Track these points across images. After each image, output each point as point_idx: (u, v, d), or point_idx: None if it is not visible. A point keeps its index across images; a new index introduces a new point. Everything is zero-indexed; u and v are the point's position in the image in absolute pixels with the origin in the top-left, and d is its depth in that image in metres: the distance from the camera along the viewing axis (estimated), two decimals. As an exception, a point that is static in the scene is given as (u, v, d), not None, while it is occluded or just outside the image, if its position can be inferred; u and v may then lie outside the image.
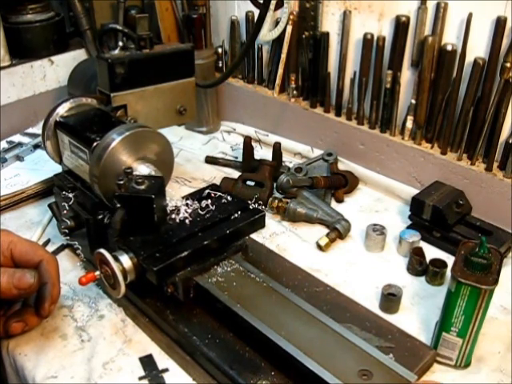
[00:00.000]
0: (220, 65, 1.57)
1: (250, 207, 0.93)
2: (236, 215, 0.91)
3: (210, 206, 0.92)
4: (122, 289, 0.81)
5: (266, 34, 1.41)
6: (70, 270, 1.03)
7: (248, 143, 1.34)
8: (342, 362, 0.74)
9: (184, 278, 0.85)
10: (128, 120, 1.11)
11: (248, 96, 1.53)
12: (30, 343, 0.88)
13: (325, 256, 1.09)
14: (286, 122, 1.46)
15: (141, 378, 0.83)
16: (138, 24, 1.13)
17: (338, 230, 1.12)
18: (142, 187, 0.85)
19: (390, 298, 0.94)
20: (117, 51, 1.12)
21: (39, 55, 1.53)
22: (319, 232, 1.14)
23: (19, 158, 1.38)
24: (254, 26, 1.19)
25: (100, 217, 0.92)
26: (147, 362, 0.85)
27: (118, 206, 0.84)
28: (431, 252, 1.08)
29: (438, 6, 1.11)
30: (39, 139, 1.40)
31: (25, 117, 1.53)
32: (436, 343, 0.84)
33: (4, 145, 1.43)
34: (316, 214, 1.16)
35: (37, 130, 1.49)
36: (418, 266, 1.02)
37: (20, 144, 1.43)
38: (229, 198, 0.95)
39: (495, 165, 1.14)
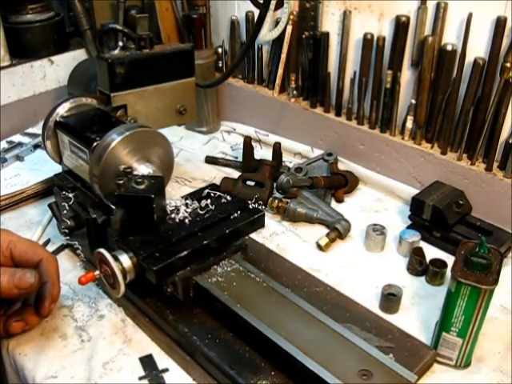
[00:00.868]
0: (220, 65, 1.57)
1: (250, 207, 0.93)
2: (235, 215, 0.92)
3: (210, 206, 0.92)
4: (122, 288, 0.81)
5: (266, 33, 1.41)
6: (69, 269, 1.03)
7: (248, 143, 1.34)
8: (341, 362, 0.74)
9: (184, 277, 0.85)
10: (128, 120, 1.11)
11: (248, 96, 1.53)
12: (29, 343, 0.88)
13: (325, 256, 1.09)
14: (285, 122, 1.46)
15: (141, 378, 0.83)
16: (138, 24, 1.13)
17: (338, 230, 1.12)
18: (142, 187, 0.85)
19: (390, 298, 0.94)
20: (117, 51, 1.12)
21: (39, 55, 1.53)
22: (319, 232, 1.14)
23: (19, 157, 1.38)
24: (254, 26, 1.19)
25: (94, 216, 0.92)
26: (147, 361, 0.85)
27: (118, 205, 0.84)
28: (431, 252, 1.07)
29: (438, 6, 1.11)
30: (39, 139, 1.40)
31: (25, 117, 1.53)
32: (436, 343, 0.84)
33: (4, 145, 1.43)
34: (316, 214, 1.16)
35: (37, 130, 1.49)
36: (418, 266, 1.02)
37: (20, 144, 1.43)
38: (228, 197, 0.95)
39: (495, 165, 1.14)
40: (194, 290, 0.87)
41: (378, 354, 0.75)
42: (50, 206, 1.07)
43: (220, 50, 1.55)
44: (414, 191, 1.19)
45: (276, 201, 1.19)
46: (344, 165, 1.35)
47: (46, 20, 1.52)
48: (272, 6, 1.37)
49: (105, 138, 0.92)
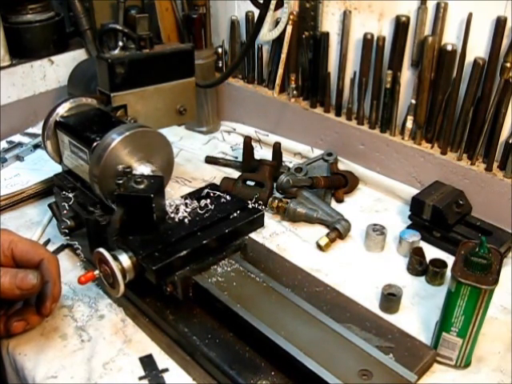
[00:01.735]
0: (220, 65, 1.57)
1: (249, 206, 0.93)
2: (235, 214, 0.91)
3: (209, 206, 0.92)
4: (122, 288, 0.81)
5: (266, 33, 1.41)
6: (69, 269, 1.03)
7: (248, 143, 1.34)
8: (342, 362, 0.74)
9: (183, 277, 0.85)
10: (128, 120, 1.11)
11: (248, 96, 1.53)
12: (30, 343, 0.88)
13: (325, 256, 1.09)
14: (285, 122, 1.46)
15: (141, 378, 0.83)
16: (138, 24, 1.13)
17: (338, 230, 1.12)
18: (141, 186, 0.85)
19: (390, 298, 0.94)
20: (117, 51, 1.12)
21: (39, 55, 1.53)
22: (319, 232, 1.14)
23: (19, 158, 1.38)
24: (254, 26, 1.19)
25: (94, 216, 0.92)
26: (147, 361, 0.85)
27: (117, 205, 0.84)
28: (431, 252, 1.07)
29: (438, 5, 1.11)
30: (39, 139, 1.40)
31: (25, 117, 1.53)
32: (436, 343, 0.84)
33: (4, 145, 1.43)
34: (316, 213, 1.16)
35: (37, 130, 1.49)
36: (418, 265, 1.02)
37: (20, 144, 1.44)
38: (228, 197, 0.95)
39: (495, 165, 1.14)
40: (194, 290, 0.87)
41: (378, 354, 0.75)
42: (50, 206, 1.07)
43: (220, 50, 1.55)
44: (414, 191, 1.19)
45: (276, 201, 1.19)
46: (344, 165, 1.35)
47: (45, 20, 1.53)
48: (272, 5, 1.37)
49: (105, 138, 0.92)
